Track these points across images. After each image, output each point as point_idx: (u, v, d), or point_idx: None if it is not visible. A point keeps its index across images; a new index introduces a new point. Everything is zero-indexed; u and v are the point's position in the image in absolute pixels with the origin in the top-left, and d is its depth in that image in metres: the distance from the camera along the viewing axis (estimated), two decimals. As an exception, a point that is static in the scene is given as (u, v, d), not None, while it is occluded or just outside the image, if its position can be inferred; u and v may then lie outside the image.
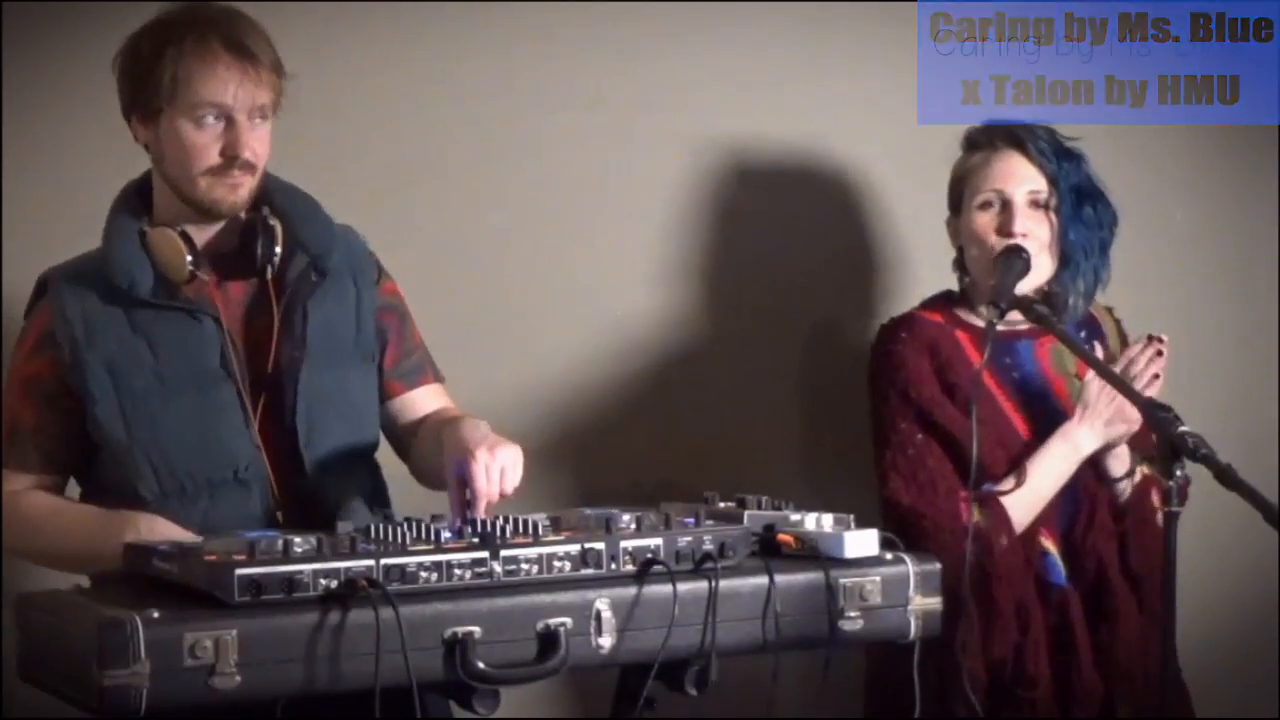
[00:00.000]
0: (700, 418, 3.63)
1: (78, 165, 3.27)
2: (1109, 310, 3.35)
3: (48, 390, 2.76)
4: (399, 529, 2.49)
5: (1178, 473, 2.60)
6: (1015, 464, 3.11)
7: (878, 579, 2.64)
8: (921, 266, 3.59)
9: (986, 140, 3.22)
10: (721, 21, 3.63)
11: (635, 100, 3.58)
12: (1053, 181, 3.17)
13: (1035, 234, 3.16)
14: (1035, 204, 3.18)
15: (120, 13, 3.23)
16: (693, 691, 2.54)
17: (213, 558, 2.36)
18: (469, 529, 2.52)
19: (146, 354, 2.73)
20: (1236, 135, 3.97)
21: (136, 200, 2.82)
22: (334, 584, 2.35)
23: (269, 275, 2.76)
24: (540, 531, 2.52)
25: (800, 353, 3.70)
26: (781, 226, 3.69)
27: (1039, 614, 3.08)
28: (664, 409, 3.61)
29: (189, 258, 2.72)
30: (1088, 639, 3.10)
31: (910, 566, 2.66)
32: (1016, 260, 3.12)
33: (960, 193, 3.25)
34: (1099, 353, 3.23)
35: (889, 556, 2.67)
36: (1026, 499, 3.09)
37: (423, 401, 2.91)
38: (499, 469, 2.58)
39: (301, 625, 2.33)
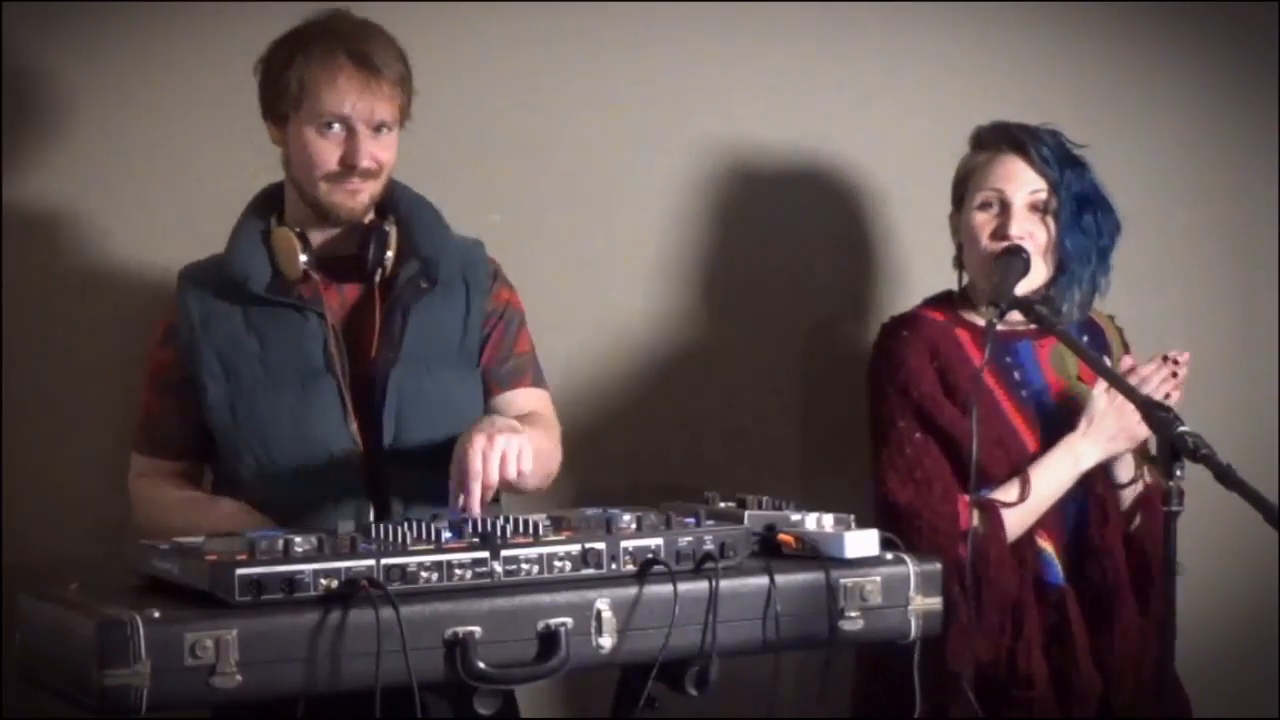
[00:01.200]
0: (700, 418, 3.63)
1: (78, 165, 3.27)
2: (1111, 319, 3.34)
3: (171, 380, 2.91)
4: (399, 529, 2.49)
5: (1178, 473, 2.60)
6: (1015, 465, 3.11)
7: (878, 579, 2.64)
8: (921, 267, 3.59)
9: (992, 140, 3.23)
10: (723, 23, 3.63)
11: (635, 101, 3.58)
12: (1054, 187, 3.17)
13: (1032, 238, 3.16)
14: (1034, 208, 3.18)
15: (121, 13, 3.25)
16: (693, 691, 2.53)
17: (213, 557, 2.36)
18: (469, 527, 2.52)
19: (255, 346, 2.85)
20: (1237, 136, 3.98)
21: (266, 202, 2.95)
22: (334, 584, 2.35)
23: (377, 280, 2.88)
24: (541, 531, 2.52)
25: (800, 353, 3.70)
26: (781, 227, 3.69)
27: (1034, 614, 3.08)
28: (664, 409, 3.61)
29: (303, 257, 2.85)
30: (1085, 637, 3.10)
31: (910, 567, 2.66)
32: (1016, 261, 3.12)
33: (963, 189, 3.25)
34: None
35: (889, 556, 2.67)
36: (1025, 509, 3.09)
37: (518, 403, 2.98)
38: (498, 454, 2.60)
39: (302, 625, 2.32)
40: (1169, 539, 2.61)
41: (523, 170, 3.49)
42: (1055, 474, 3.11)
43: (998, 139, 3.22)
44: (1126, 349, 3.28)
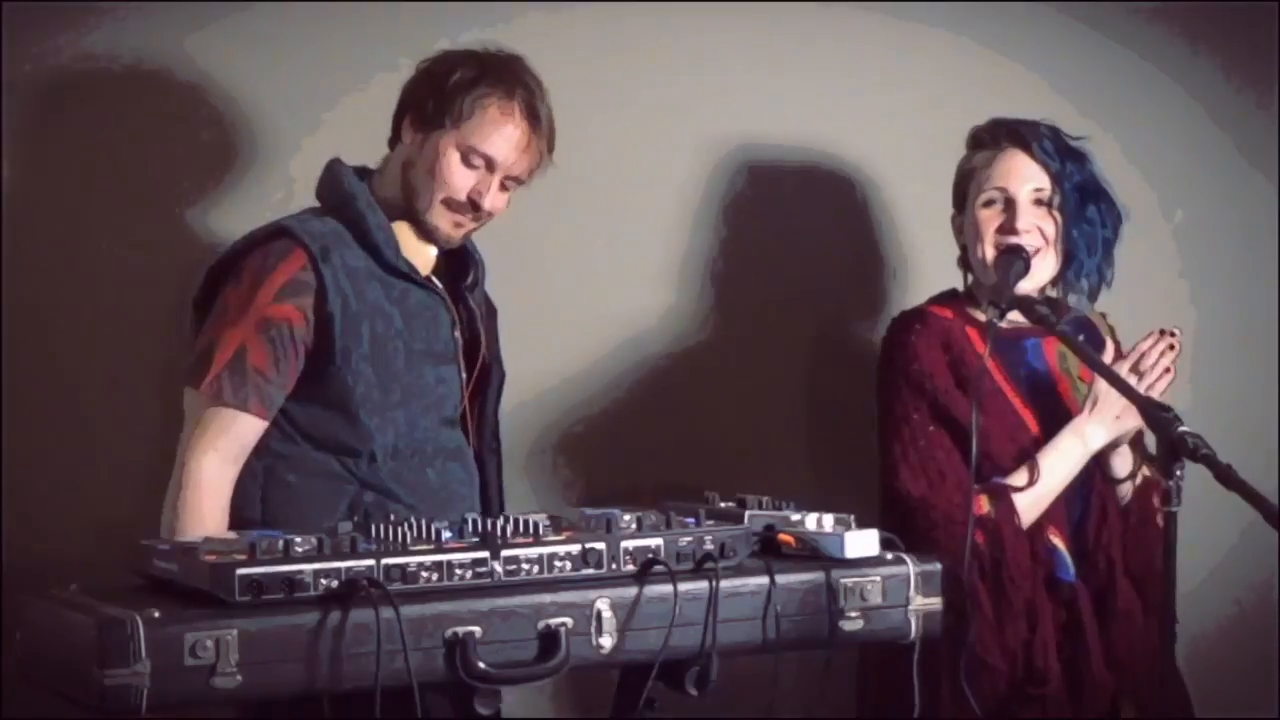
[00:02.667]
0: (702, 417, 3.63)
1: (79, 166, 3.27)
2: (1103, 316, 3.34)
3: (286, 336, 2.82)
4: (400, 529, 2.49)
5: (1177, 473, 2.60)
6: (1024, 458, 3.11)
7: (878, 579, 2.64)
8: (927, 266, 3.60)
9: (991, 138, 3.23)
10: (729, 23, 3.63)
11: (643, 102, 3.58)
12: (1056, 180, 3.17)
13: (1038, 232, 3.16)
14: (1039, 202, 3.18)
15: (121, 12, 3.25)
16: (693, 691, 2.53)
17: (213, 557, 2.36)
18: (469, 527, 2.52)
19: (398, 321, 2.88)
20: (1237, 136, 3.98)
21: (360, 178, 2.96)
22: (335, 584, 2.35)
23: (469, 299, 3.01)
24: (541, 531, 2.52)
25: (803, 352, 3.70)
26: (786, 226, 3.70)
27: (1048, 610, 3.08)
28: (666, 408, 3.61)
29: (432, 251, 2.94)
30: (1097, 635, 3.10)
31: (910, 567, 2.66)
32: (1017, 261, 3.13)
33: (965, 190, 3.25)
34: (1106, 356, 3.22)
35: (889, 556, 2.67)
36: (1036, 494, 3.09)
37: None
38: None
39: (302, 625, 2.32)
40: (1169, 539, 2.61)
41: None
42: (1064, 457, 3.11)
43: (997, 136, 3.22)
44: (1118, 346, 3.28)
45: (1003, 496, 3.06)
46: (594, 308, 3.56)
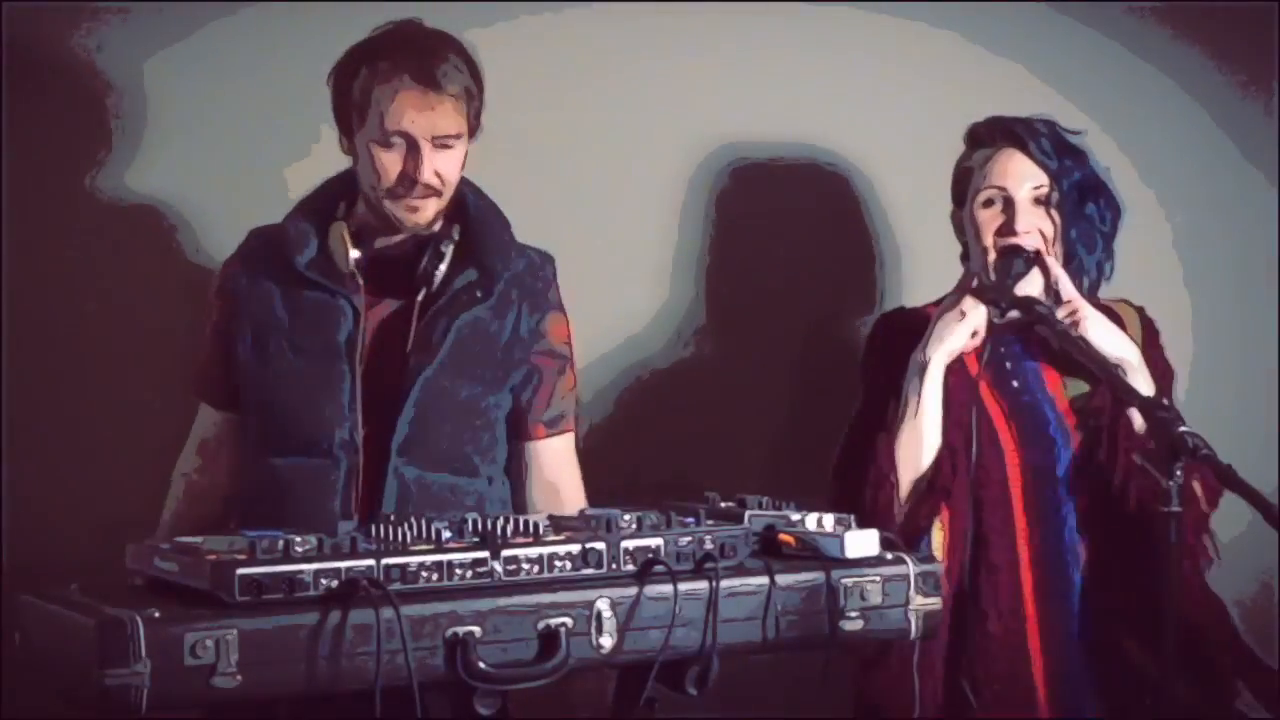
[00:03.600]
0: (701, 417, 3.63)
1: (81, 165, 3.27)
2: (1136, 308, 3.31)
3: (219, 329, 2.98)
4: (400, 529, 2.49)
5: (1178, 472, 2.60)
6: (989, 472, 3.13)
7: (878, 579, 2.64)
8: (923, 263, 3.59)
9: (989, 137, 3.23)
10: (724, 20, 3.63)
11: (637, 99, 3.58)
12: (1054, 178, 3.18)
13: (1037, 232, 3.16)
14: (1037, 201, 3.19)
15: (122, 12, 3.26)
16: (693, 691, 2.53)
17: (214, 557, 2.36)
18: (469, 527, 2.52)
19: (285, 322, 2.91)
20: (1237, 135, 3.97)
21: (340, 186, 3.00)
22: (335, 584, 2.35)
23: (421, 295, 2.90)
24: (541, 531, 2.52)
25: (802, 352, 3.70)
26: (783, 225, 3.70)
27: None
28: (666, 408, 3.61)
29: (354, 254, 2.90)
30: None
31: (910, 567, 2.66)
32: (1017, 261, 3.13)
33: (963, 188, 3.25)
34: None
35: (889, 556, 2.67)
36: (909, 436, 3.10)
37: (559, 450, 3.09)
38: None
39: (302, 625, 2.32)
40: (1169, 539, 2.61)
41: (525, 171, 3.49)
42: (908, 388, 3.11)
43: (994, 135, 3.22)
44: (1152, 340, 3.26)
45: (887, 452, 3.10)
46: (592, 308, 3.55)
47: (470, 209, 2.99)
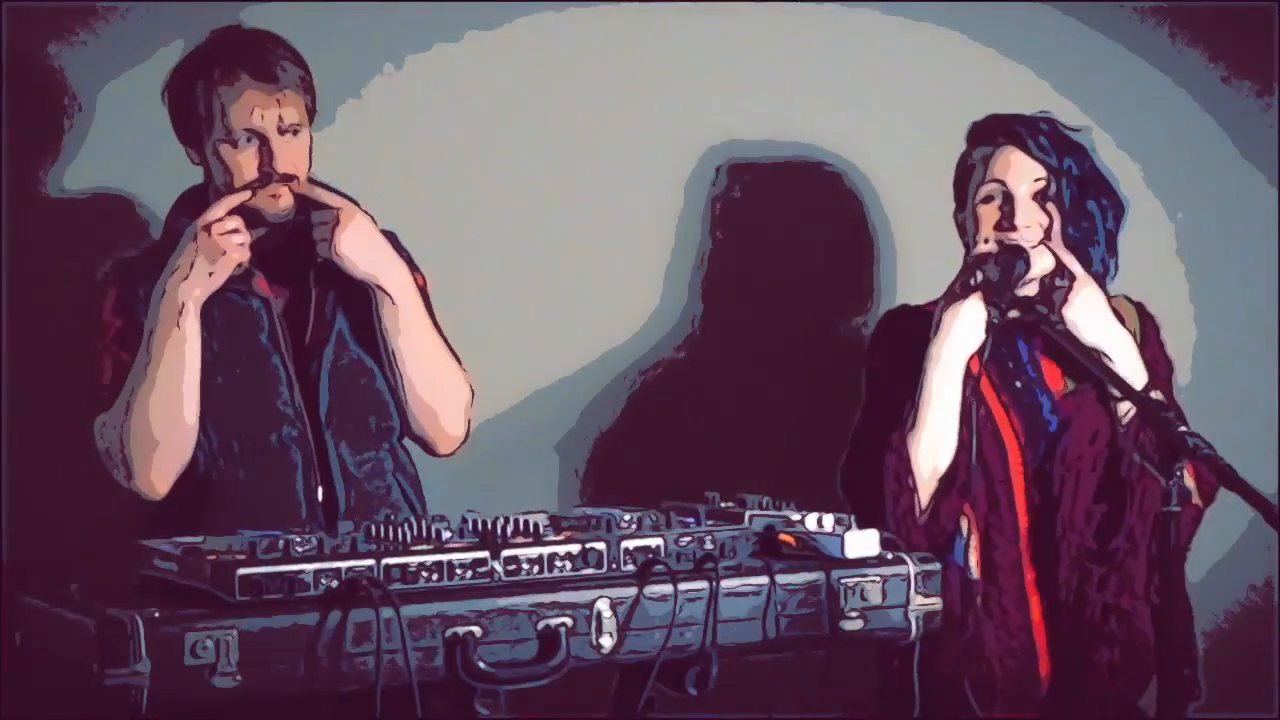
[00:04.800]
0: (701, 417, 3.63)
1: (82, 163, 3.27)
2: (1135, 304, 3.30)
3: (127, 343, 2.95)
4: (400, 529, 2.49)
5: (1178, 472, 2.60)
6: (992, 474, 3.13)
7: (878, 579, 2.64)
8: (923, 263, 3.59)
9: (989, 135, 3.23)
10: (723, 22, 3.63)
11: (637, 101, 3.58)
12: (1055, 175, 3.17)
13: (1039, 228, 3.16)
14: (1037, 197, 3.18)
15: (121, 12, 3.25)
16: (693, 691, 2.53)
17: (214, 557, 2.36)
18: (469, 527, 2.52)
19: (204, 333, 2.90)
20: (1237, 135, 3.97)
21: (195, 200, 3.00)
22: (335, 584, 2.35)
23: (312, 276, 2.97)
24: (541, 531, 2.52)
25: (802, 352, 3.70)
26: (783, 225, 3.69)
27: None
28: (665, 408, 3.61)
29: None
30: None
31: (910, 567, 2.66)
32: (1017, 261, 3.12)
33: (964, 186, 3.25)
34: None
35: (889, 556, 2.67)
36: (921, 433, 3.10)
37: None
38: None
39: (302, 625, 2.32)
40: (1168, 539, 2.61)
41: (525, 171, 3.50)
42: (929, 390, 3.10)
43: (995, 133, 3.22)
44: (1152, 335, 3.26)
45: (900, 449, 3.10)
46: (592, 308, 3.56)
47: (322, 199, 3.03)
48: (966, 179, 3.25)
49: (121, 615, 2.26)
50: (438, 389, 3.00)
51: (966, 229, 3.25)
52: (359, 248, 2.91)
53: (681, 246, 3.64)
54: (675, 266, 3.64)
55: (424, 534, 2.49)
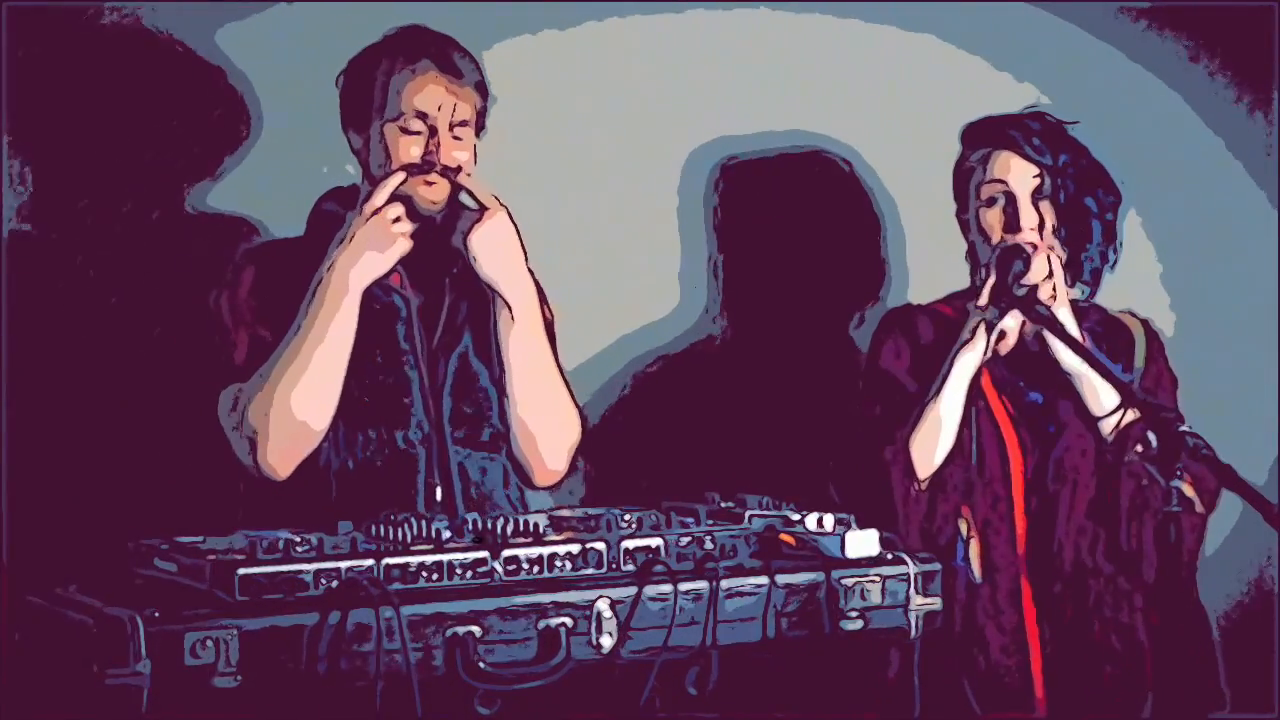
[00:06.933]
0: (701, 417, 3.63)
1: (82, 162, 3.28)
2: (1142, 320, 3.31)
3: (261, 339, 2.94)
4: (400, 528, 2.49)
5: (1178, 472, 2.60)
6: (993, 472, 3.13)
7: (878, 579, 2.64)
8: (928, 264, 3.60)
9: (983, 139, 3.23)
10: (726, 24, 3.63)
11: (644, 101, 3.59)
12: (1051, 175, 3.18)
13: (1042, 227, 3.17)
14: (1038, 196, 3.18)
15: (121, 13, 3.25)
16: (693, 691, 2.53)
17: (214, 557, 2.36)
18: (469, 527, 2.52)
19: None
20: (1237, 135, 3.97)
21: (339, 198, 3.02)
22: (335, 584, 2.35)
23: (447, 279, 2.98)
24: (541, 531, 2.53)
25: (802, 352, 3.70)
26: (785, 225, 3.70)
27: None
28: (665, 409, 3.61)
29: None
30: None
31: (910, 567, 2.66)
32: (1016, 260, 3.13)
33: (963, 188, 3.25)
34: (1119, 365, 3.21)
35: (889, 556, 2.67)
36: (933, 439, 3.11)
37: None
38: None
39: (302, 625, 2.32)
40: (1169, 539, 2.61)
41: (525, 171, 3.50)
42: (945, 396, 3.11)
43: (988, 137, 3.22)
44: (1157, 352, 3.26)
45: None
46: (592, 308, 3.56)
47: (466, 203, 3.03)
48: (966, 181, 3.26)
49: (121, 615, 2.26)
50: (541, 415, 3.00)
51: (969, 228, 3.25)
52: (491, 247, 2.91)
53: (684, 249, 3.65)
54: (675, 267, 3.64)
55: (424, 534, 2.49)
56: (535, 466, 3.02)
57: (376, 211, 2.87)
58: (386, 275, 2.91)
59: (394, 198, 2.91)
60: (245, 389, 2.86)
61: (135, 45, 3.31)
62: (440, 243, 2.97)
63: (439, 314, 2.98)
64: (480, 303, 2.99)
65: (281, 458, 2.85)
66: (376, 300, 2.92)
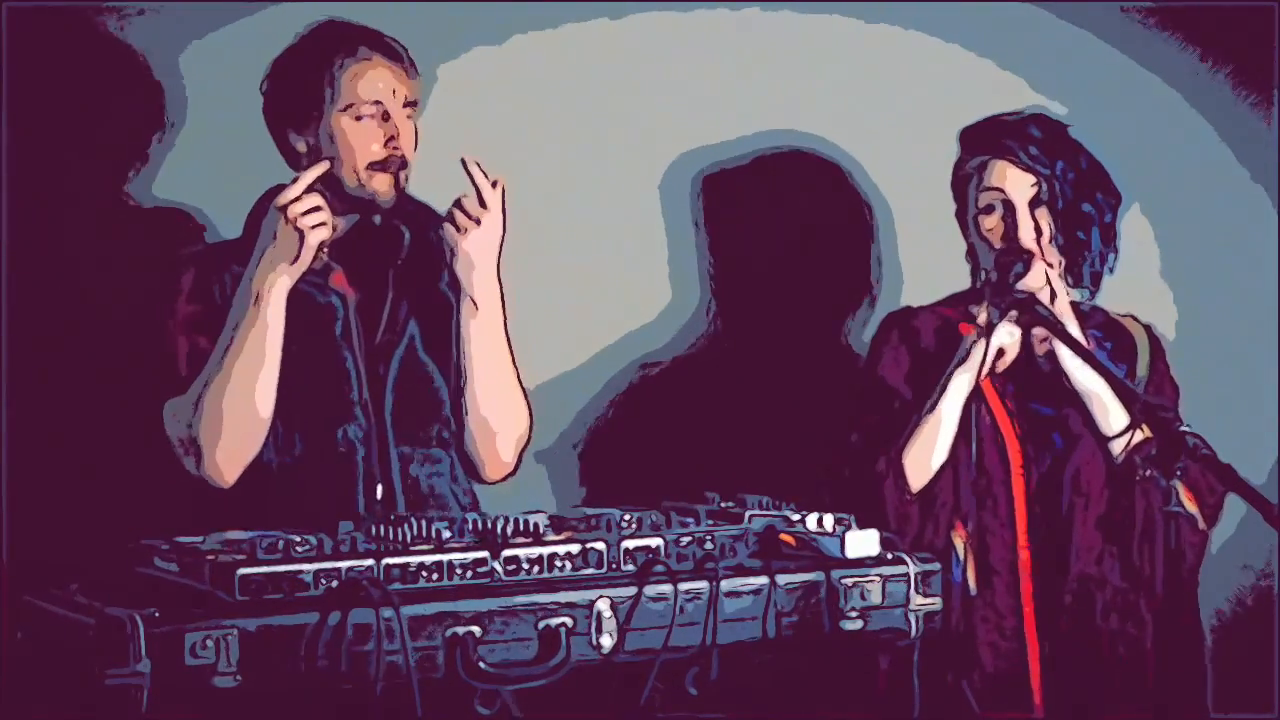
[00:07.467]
0: (701, 418, 3.63)
1: (83, 162, 3.28)
2: (1148, 328, 3.31)
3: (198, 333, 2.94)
4: (400, 528, 2.49)
5: (1178, 472, 2.60)
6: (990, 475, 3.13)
7: (878, 579, 2.64)
8: (924, 265, 3.59)
9: (979, 147, 3.22)
10: (723, 24, 3.63)
11: (638, 102, 3.58)
12: (1049, 182, 3.17)
13: (1041, 233, 3.16)
14: (1036, 203, 3.18)
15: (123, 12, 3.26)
16: (693, 691, 2.53)
17: (214, 557, 2.36)
18: (469, 527, 2.52)
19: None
20: (1236, 134, 3.97)
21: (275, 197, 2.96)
22: (335, 584, 2.35)
23: (390, 273, 2.96)
24: (541, 531, 2.52)
25: (801, 352, 3.70)
26: (783, 226, 3.69)
27: None
28: (665, 409, 3.61)
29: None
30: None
31: (910, 567, 2.66)
32: (1016, 262, 3.12)
33: (962, 191, 3.25)
34: (1122, 369, 3.20)
35: (889, 556, 2.67)
36: (927, 454, 3.11)
37: None
38: None
39: (302, 625, 2.32)
40: (1169, 539, 2.61)
41: (525, 171, 3.49)
42: (940, 413, 3.11)
43: (987, 142, 3.21)
44: (1159, 358, 3.26)
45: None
46: (591, 308, 3.56)
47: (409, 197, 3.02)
48: (964, 185, 3.25)
49: (121, 615, 2.26)
50: (499, 411, 2.99)
51: (969, 228, 3.25)
52: (481, 254, 2.91)
53: (680, 249, 3.65)
54: (674, 267, 3.64)
55: (424, 534, 2.49)
56: (489, 460, 3.02)
57: (284, 209, 2.80)
58: (323, 274, 2.90)
59: (347, 196, 2.89)
60: (181, 401, 2.87)
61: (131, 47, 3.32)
62: (378, 240, 2.96)
63: (381, 310, 2.96)
64: (425, 298, 2.98)
65: (222, 466, 2.86)
66: (311, 299, 2.91)
